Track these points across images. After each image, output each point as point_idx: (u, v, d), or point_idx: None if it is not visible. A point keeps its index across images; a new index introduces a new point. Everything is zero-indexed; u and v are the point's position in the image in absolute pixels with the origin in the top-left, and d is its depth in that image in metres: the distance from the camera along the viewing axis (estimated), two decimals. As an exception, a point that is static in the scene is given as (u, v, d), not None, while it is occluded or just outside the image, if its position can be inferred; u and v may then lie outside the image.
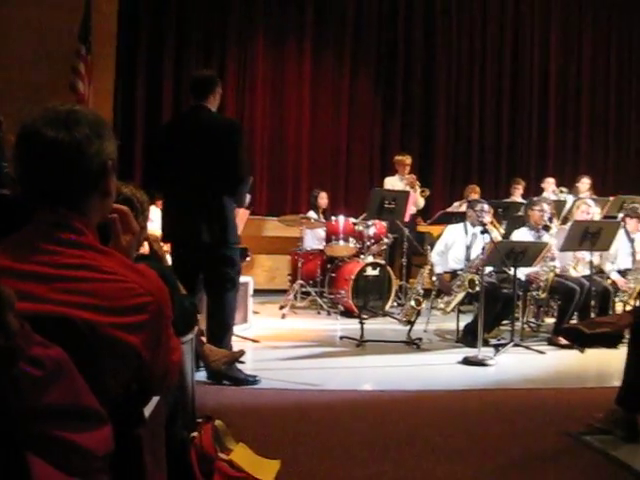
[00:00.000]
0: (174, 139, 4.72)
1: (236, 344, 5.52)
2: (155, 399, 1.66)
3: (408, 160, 9.06)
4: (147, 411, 1.60)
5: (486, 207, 6.57)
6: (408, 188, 8.53)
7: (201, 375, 4.43)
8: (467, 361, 5.54)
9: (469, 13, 11.49)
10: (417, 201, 8.93)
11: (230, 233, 4.57)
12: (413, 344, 6.15)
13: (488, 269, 6.33)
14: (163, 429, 1.82)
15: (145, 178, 5.02)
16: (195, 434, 2.29)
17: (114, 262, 1.44)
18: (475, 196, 8.94)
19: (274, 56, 10.52)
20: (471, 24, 11.51)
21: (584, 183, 9.62)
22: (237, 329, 6.27)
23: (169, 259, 6.63)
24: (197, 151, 4.55)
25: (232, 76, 10.28)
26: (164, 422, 1.88)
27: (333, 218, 8.17)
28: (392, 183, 8.90)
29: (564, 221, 7.83)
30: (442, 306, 6.44)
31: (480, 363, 5.50)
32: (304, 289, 8.17)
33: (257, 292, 7.39)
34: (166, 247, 6.65)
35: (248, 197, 5.31)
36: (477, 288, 5.91)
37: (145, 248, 3.34)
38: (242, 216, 6.75)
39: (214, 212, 4.53)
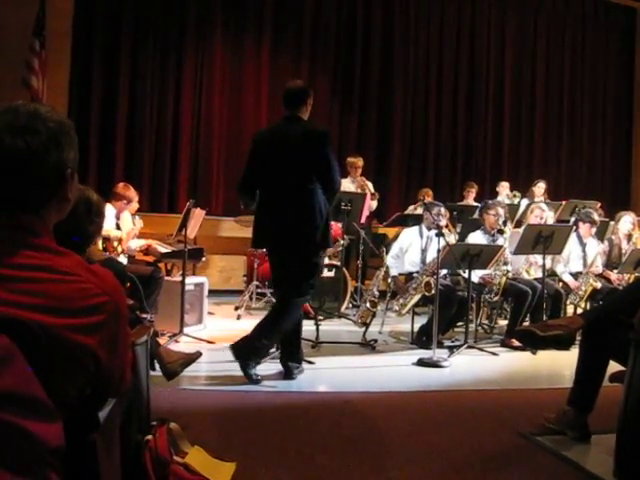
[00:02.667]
0: (267, 149, 4.85)
1: (191, 345, 5.48)
2: (110, 402, 1.63)
3: (360, 162, 8.97)
4: (102, 415, 1.57)
5: (443, 210, 6.63)
6: (359, 190, 8.53)
7: (156, 377, 4.37)
8: (422, 362, 5.59)
9: (427, 15, 11.61)
10: (370, 203, 8.93)
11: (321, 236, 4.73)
12: (368, 345, 6.19)
13: (443, 272, 6.38)
14: (118, 433, 1.79)
15: (241, 183, 5.07)
16: (149, 437, 2.25)
17: (70, 263, 1.41)
18: (429, 199, 8.97)
19: (232, 55, 10.46)
20: (429, 26, 11.63)
21: (539, 187, 9.82)
22: (192, 330, 6.23)
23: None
24: (289, 161, 4.69)
25: (189, 75, 10.20)
26: (119, 426, 1.85)
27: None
28: (344, 185, 8.84)
29: (517, 224, 7.96)
30: (397, 308, 6.48)
31: (434, 364, 5.54)
32: (260, 290, 8.12)
33: (212, 293, 7.34)
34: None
35: None
36: (433, 291, 5.96)
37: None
38: (197, 216, 6.70)
39: (307, 216, 4.69)
